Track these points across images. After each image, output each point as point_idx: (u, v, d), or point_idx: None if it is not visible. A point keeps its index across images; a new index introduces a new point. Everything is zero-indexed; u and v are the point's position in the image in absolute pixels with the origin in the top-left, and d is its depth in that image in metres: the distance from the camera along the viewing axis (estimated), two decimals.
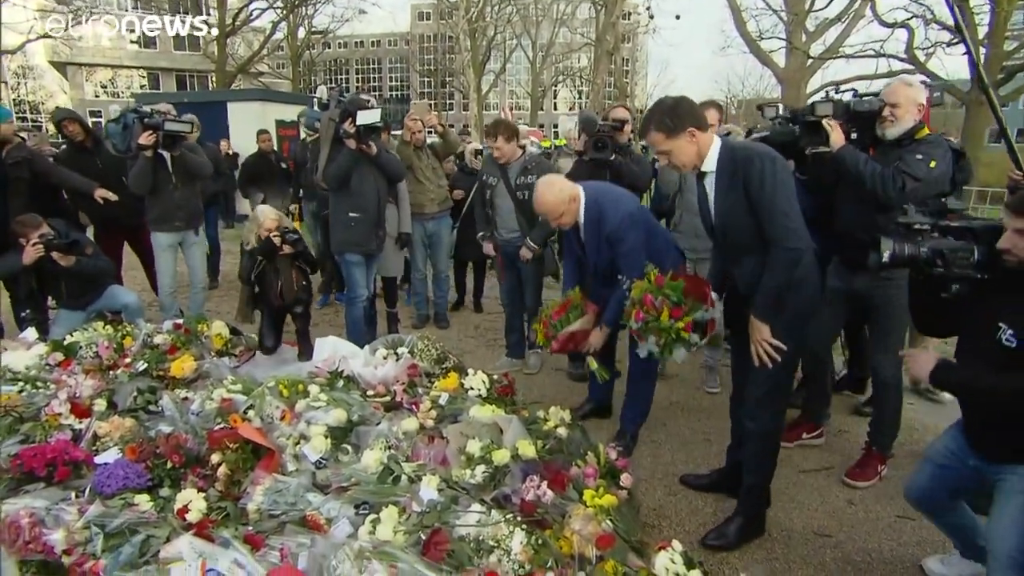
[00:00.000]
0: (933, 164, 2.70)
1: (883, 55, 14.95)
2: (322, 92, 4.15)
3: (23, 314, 4.18)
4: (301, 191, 6.48)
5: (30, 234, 3.88)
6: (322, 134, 4.12)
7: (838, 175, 2.90)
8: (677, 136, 2.28)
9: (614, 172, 3.86)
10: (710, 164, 2.34)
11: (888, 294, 2.86)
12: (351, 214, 4.09)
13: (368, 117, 3.85)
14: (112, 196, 4.59)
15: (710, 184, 2.38)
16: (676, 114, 2.28)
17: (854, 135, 2.88)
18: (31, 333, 3.82)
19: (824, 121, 2.86)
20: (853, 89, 3.22)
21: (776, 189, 2.19)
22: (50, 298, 4.40)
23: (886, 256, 2.02)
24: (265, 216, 4.09)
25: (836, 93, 3.36)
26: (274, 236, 3.97)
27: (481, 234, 4.50)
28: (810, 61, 16.27)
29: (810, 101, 3.18)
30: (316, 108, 4.32)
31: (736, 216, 2.29)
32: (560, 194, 3.00)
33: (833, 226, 3.01)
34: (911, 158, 2.71)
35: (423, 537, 1.99)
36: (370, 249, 4.22)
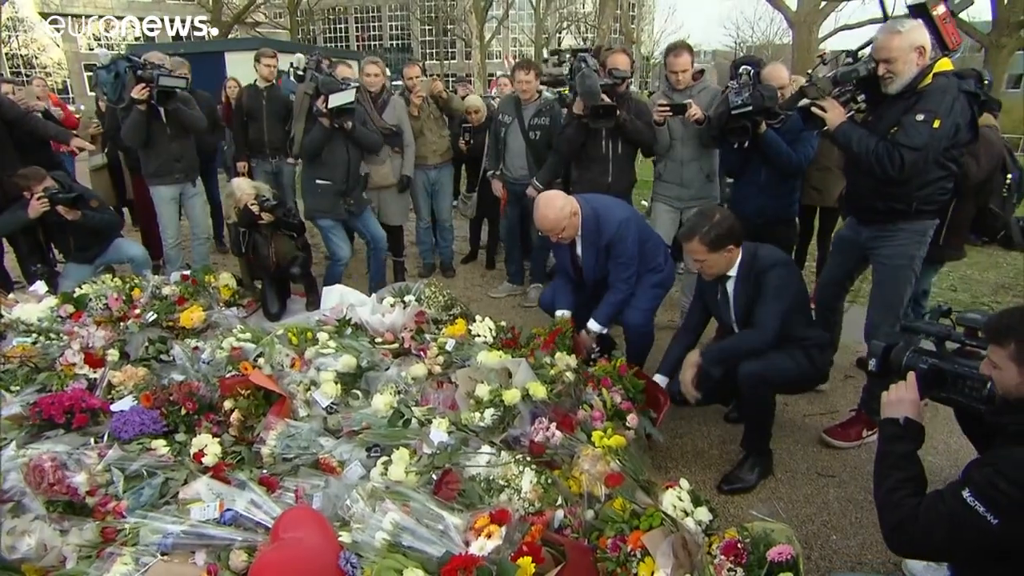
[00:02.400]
0: (937, 123, 2.44)
1: None
2: (298, 60, 4.08)
3: (33, 268, 4.19)
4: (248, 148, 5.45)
5: (34, 187, 3.85)
6: (296, 107, 4.10)
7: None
8: (717, 251, 2.52)
9: (615, 129, 3.76)
10: (733, 270, 2.61)
11: (886, 247, 2.74)
12: (318, 181, 4.16)
13: (340, 99, 3.82)
14: (89, 146, 4.53)
15: (731, 286, 2.64)
16: (721, 232, 2.49)
17: (861, 97, 2.70)
18: (41, 286, 3.83)
19: (812, 107, 2.74)
20: (844, 51, 3.09)
21: (779, 300, 2.50)
22: (56, 252, 4.40)
23: (872, 364, 1.86)
24: (240, 189, 4.08)
25: (824, 63, 3.28)
26: (252, 205, 3.97)
27: (491, 172, 4.63)
28: (823, 3, 15.65)
29: (799, 86, 3.00)
30: (292, 78, 4.25)
31: (751, 306, 2.58)
32: (562, 211, 2.99)
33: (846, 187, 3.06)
34: (910, 121, 2.46)
35: (434, 477, 2.03)
36: (338, 215, 4.28)
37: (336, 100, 3.81)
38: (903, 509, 1.49)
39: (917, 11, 2.60)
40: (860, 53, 2.80)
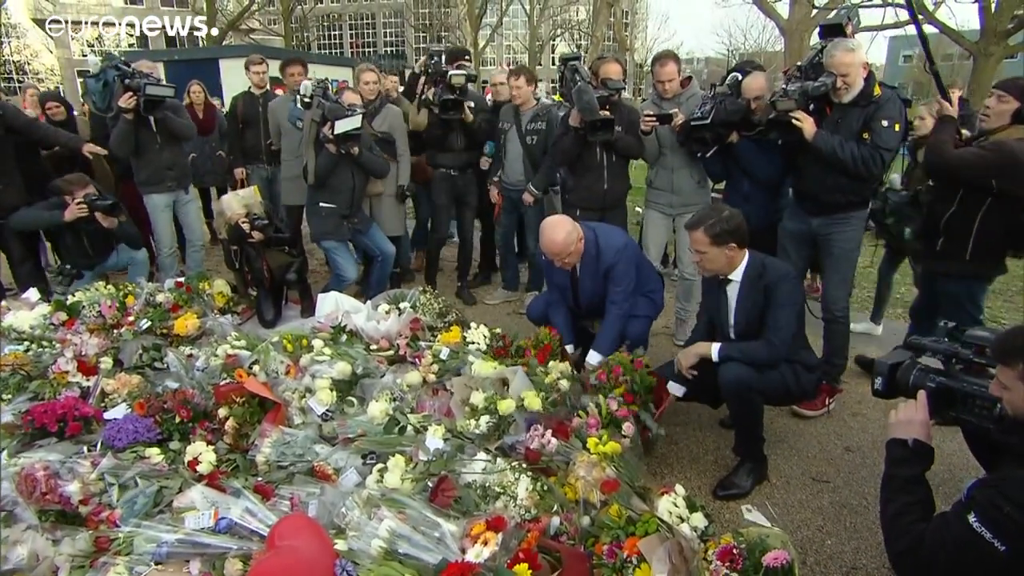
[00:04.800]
0: (897, 127, 2.88)
1: (890, 4, 14.49)
2: (306, 87, 4.10)
3: (51, 268, 4.20)
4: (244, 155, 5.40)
5: (76, 192, 3.93)
6: (304, 135, 4.12)
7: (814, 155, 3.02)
8: (719, 246, 2.52)
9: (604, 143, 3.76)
10: (737, 275, 2.61)
11: (841, 233, 3.11)
12: (322, 204, 4.18)
13: (346, 125, 3.85)
14: (101, 151, 4.52)
15: (732, 291, 2.64)
16: (727, 229, 2.49)
17: (811, 107, 3.03)
18: (33, 293, 3.83)
19: (792, 119, 2.98)
20: (797, 65, 3.39)
21: (791, 308, 2.53)
22: (51, 258, 4.40)
23: (878, 383, 1.84)
24: (230, 207, 4.08)
25: (787, 77, 3.42)
26: (242, 223, 3.98)
27: (490, 179, 4.66)
28: (815, 12, 15.82)
29: (770, 99, 3.18)
30: (299, 105, 4.30)
31: (753, 316, 2.59)
32: (570, 235, 2.99)
33: (797, 185, 3.27)
34: (879, 127, 2.86)
35: (430, 485, 2.03)
36: (343, 236, 4.31)
37: (342, 126, 3.84)
38: (910, 535, 1.46)
39: (831, 31, 3.12)
40: (806, 68, 3.17)
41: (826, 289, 3.27)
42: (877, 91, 2.90)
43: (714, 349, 2.58)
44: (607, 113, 3.55)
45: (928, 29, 16.03)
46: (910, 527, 1.47)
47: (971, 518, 1.33)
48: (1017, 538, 1.27)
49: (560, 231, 2.98)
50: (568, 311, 3.29)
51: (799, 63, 3.37)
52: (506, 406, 2.36)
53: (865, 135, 2.89)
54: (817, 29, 3.11)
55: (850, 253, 3.16)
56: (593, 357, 3.04)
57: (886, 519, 1.55)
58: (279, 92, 5.57)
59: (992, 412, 1.57)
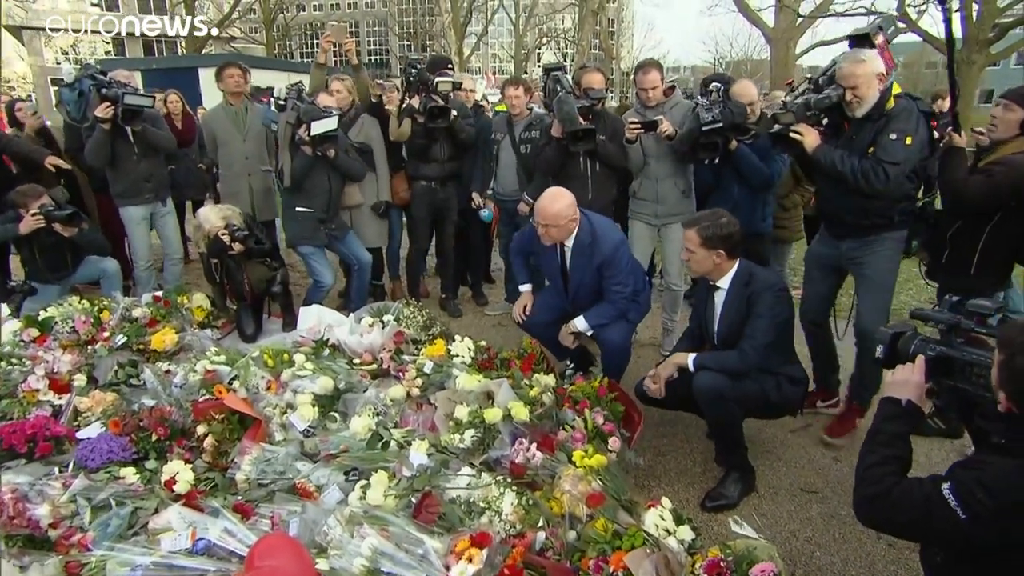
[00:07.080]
0: (909, 140, 2.67)
1: (874, 12, 14.80)
2: (280, 91, 4.04)
3: (11, 283, 4.08)
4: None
5: (30, 204, 3.82)
6: (280, 136, 4.06)
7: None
8: (707, 249, 2.57)
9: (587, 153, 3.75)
10: (724, 282, 2.65)
11: (873, 255, 2.90)
12: (299, 209, 4.12)
13: (323, 126, 3.81)
14: (64, 164, 4.43)
15: (719, 298, 2.68)
16: (719, 234, 2.54)
17: (825, 120, 2.92)
18: (3, 309, 3.72)
19: (791, 132, 2.90)
20: (807, 78, 3.31)
21: (769, 319, 2.54)
22: (14, 273, 4.30)
23: (879, 352, 1.86)
24: (208, 220, 3.97)
25: (792, 90, 3.39)
26: (222, 234, 3.89)
27: (479, 193, 4.62)
28: (800, 19, 16.08)
29: (770, 112, 3.18)
30: (273, 108, 4.22)
31: (736, 324, 2.62)
32: (565, 208, 3.01)
33: (822, 207, 3.13)
34: (886, 140, 2.68)
35: (414, 501, 2.00)
36: (319, 241, 4.24)
37: (318, 128, 3.80)
38: (882, 484, 1.50)
39: (860, 41, 2.93)
40: (820, 80, 3.04)
41: (859, 315, 3.02)
42: (890, 103, 2.73)
43: (690, 359, 2.61)
44: (587, 123, 3.54)
45: (911, 38, 16.37)
46: (885, 477, 1.52)
47: (944, 487, 1.38)
48: (981, 518, 1.33)
49: (560, 202, 3.01)
50: (526, 259, 3.46)
51: (807, 76, 3.34)
52: (493, 415, 2.33)
53: (871, 149, 2.73)
54: (803, 36, 3.07)
55: (884, 277, 2.92)
56: (580, 322, 3.11)
57: (862, 467, 1.59)
58: (262, 101, 5.49)
59: (989, 381, 1.57)
